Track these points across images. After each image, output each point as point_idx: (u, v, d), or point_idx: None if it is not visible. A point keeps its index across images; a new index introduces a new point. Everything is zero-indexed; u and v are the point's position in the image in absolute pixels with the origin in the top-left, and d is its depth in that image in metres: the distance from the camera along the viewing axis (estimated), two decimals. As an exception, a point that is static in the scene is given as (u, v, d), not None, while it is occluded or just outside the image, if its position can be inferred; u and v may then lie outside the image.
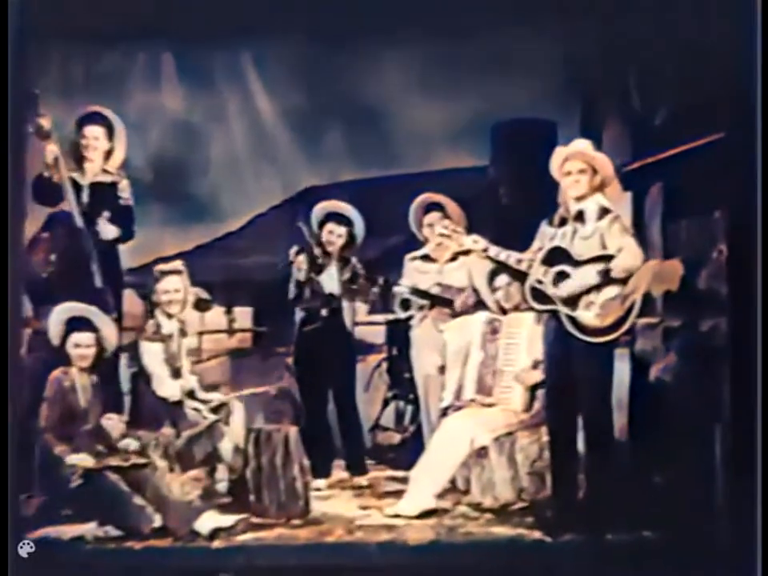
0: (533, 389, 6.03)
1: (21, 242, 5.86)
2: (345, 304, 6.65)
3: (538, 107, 6.81)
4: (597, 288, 5.68)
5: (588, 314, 5.64)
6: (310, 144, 7.14)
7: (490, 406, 6.10)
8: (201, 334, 7.19)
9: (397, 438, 7.14)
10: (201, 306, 6.78)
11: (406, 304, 6.59)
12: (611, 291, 5.65)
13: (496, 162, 7.26)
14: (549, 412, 5.83)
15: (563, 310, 5.69)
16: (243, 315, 7.60)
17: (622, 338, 5.82)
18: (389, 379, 7.29)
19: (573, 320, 5.67)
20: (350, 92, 6.87)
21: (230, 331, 7.40)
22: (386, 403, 7.26)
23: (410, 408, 7.08)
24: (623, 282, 5.67)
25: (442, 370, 6.39)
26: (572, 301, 5.70)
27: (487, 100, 6.77)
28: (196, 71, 6.97)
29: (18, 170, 5.79)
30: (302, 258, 6.49)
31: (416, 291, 6.55)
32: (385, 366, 7.35)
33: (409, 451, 6.65)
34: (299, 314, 6.64)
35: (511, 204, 7.29)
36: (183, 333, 6.29)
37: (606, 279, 5.66)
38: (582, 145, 5.82)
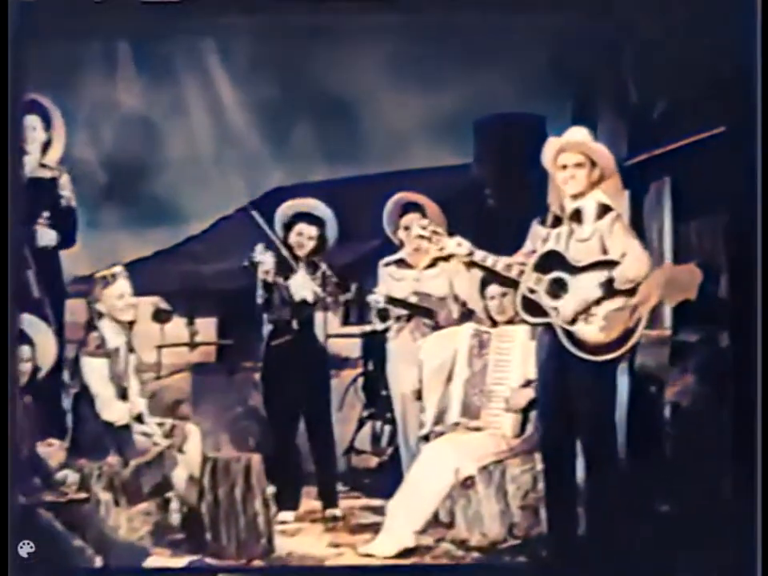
0: (525, 410, 5.54)
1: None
2: (317, 315, 6.24)
3: (525, 100, 6.55)
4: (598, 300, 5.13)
5: (589, 328, 5.10)
6: (279, 141, 6.89)
7: (476, 430, 5.62)
8: (160, 347, 6.94)
9: (373, 461, 6.77)
10: (160, 316, 6.56)
11: (381, 314, 6.20)
12: (616, 301, 5.09)
13: (480, 160, 7.01)
14: (544, 437, 5.33)
15: (559, 323, 5.11)
16: (206, 327, 7.32)
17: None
18: (364, 397, 6.93)
19: (570, 334, 5.10)
20: (322, 84, 6.63)
21: (192, 344, 7.11)
22: (361, 423, 6.88)
23: (387, 429, 6.72)
24: (628, 291, 5.09)
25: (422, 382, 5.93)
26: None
27: (470, 93, 6.52)
28: (154, 61, 6.67)
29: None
30: (268, 256, 6.02)
31: (393, 300, 6.13)
32: (360, 382, 6.98)
33: (386, 476, 6.27)
34: (267, 327, 6.20)
35: (497, 206, 7.02)
36: (131, 348, 5.77)
37: (609, 291, 5.09)
38: (579, 134, 5.30)
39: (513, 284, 5.35)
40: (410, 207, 6.14)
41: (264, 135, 6.83)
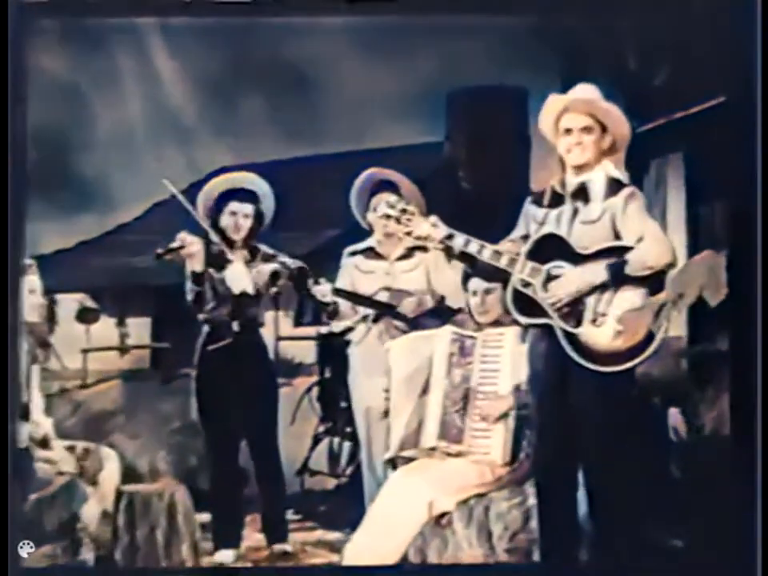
0: (518, 432, 4.80)
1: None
2: (266, 313, 5.72)
3: (505, 70, 6.07)
4: (605, 291, 4.40)
5: (600, 332, 4.34)
6: (223, 114, 6.40)
7: (457, 455, 4.93)
8: (86, 351, 6.39)
9: (331, 483, 6.16)
10: (86, 316, 6.07)
11: (329, 311, 5.69)
12: (633, 297, 4.32)
13: (453, 138, 6.53)
14: (538, 465, 4.61)
15: (560, 324, 4.29)
16: (139, 328, 6.81)
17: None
18: (320, 409, 6.29)
19: (574, 339, 4.30)
20: (274, 51, 6.18)
21: (123, 348, 6.59)
22: (316, 440, 6.24)
23: (346, 446, 6.13)
24: (645, 283, 4.33)
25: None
26: (572, 311, 4.32)
27: (442, 61, 6.06)
28: (80, 23, 6.17)
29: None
30: (192, 239, 5.49)
31: (350, 295, 5.58)
32: (315, 392, 6.35)
33: (345, 501, 5.77)
34: (204, 328, 5.66)
35: (472, 189, 6.48)
36: (34, 356, 5.21)
37: (618, 277, 4.36)
38: (588, 92, 4.65)
39: (500, 278, 4.65)
40: (383, 186, 5.64)
41: (207, 109, 6.35)
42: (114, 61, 6.30)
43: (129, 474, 5.38)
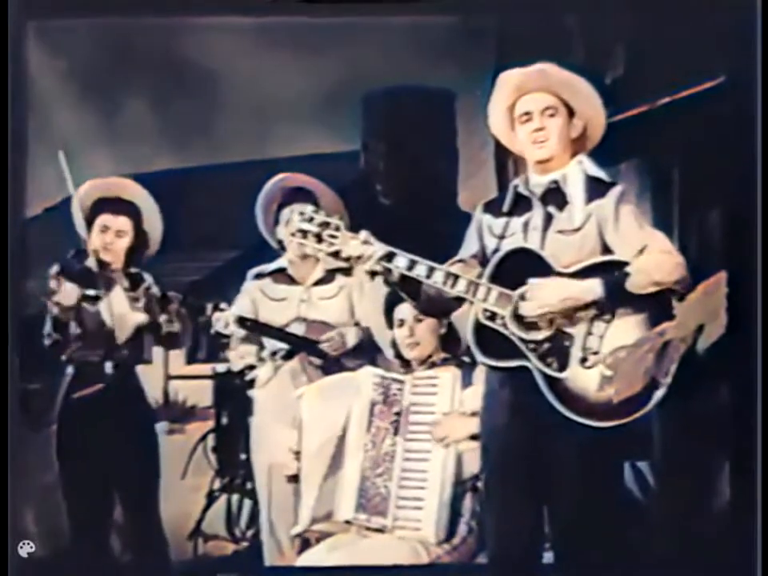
0: (457, 500, 4.02)
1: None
2: (153, 348, 5.19)
3: (427, 70, 5.71)
4: (599, 316, 3.59)
5: (590, 376, 3.46)
6: (106, 119, 5.99)
7: (380, 531, 4.22)
8: None
9: (229, 548, 5.64)
10: None
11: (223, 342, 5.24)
12: (632, 328, 3.49)
13: (370, 146, 6.19)
14: (495, 546, 3.80)
15: (538, 365, 3.61)
16: None
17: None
18: (216, 461, 5.79)
19: (556, 384, 3.60)
20: (165, 50, 5.80)
21: None
22: (211, 497, 5.74)
23: (247, 504, 5.63)
24: (648, 307, 3.60)
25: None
26: (555, 348, 3.61)
27: (357, 61, 5.74)
28: None
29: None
30: (68, 286, 4.94)
31: (254, 325, 5.02)
32: (211, 441, 5.86)
33: (246, 569, 5.26)
34: (69, 371, 5.14)
35: (392, 204, 6.12)
36: None
37: (617, 296, 3.58)
38: (547, 66, 3.94)
39: (430, 305, 3.92)
40: (296, 195, 5.11)
41: (86, 112, 5.93)
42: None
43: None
